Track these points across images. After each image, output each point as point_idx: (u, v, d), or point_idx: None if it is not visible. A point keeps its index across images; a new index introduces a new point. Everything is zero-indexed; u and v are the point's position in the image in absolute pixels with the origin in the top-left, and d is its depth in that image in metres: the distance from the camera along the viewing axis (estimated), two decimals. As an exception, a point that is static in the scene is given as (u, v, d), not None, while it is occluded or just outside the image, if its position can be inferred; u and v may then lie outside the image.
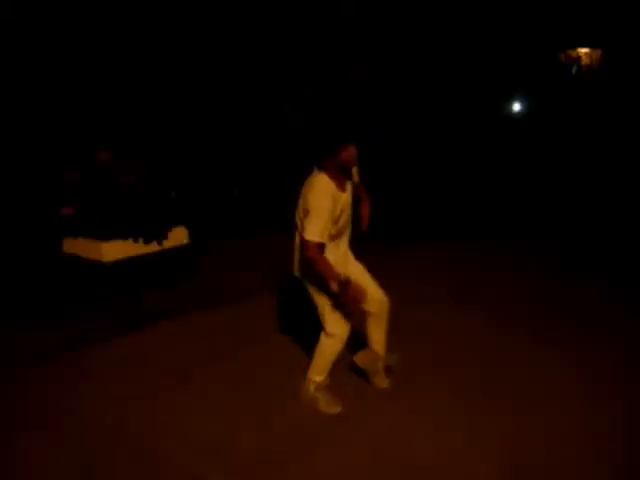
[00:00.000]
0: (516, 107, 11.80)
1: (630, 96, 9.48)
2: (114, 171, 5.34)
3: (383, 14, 8.51)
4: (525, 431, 2.81)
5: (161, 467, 2.61)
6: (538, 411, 2.99)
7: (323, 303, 2.96)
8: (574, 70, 10.11)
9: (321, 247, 2.71)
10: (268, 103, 8.55)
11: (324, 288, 2.87)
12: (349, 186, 2.91)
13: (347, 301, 2.77)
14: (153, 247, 5.31)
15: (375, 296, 3.11)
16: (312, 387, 3.10)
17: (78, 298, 4.98)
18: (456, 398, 3.14)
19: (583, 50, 9.95)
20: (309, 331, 4.15)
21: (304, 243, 2.70)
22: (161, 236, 5.36)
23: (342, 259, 3.01)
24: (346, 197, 2.87)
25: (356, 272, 3.09)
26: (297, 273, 3.04)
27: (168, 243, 5.43)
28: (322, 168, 2.78)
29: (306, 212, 2.70)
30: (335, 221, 2.78)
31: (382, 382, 3.29)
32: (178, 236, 5.55)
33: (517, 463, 2.56)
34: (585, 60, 10.00)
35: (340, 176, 2.81)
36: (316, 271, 2.74)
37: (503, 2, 9.12)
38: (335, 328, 2.96)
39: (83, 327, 4.38)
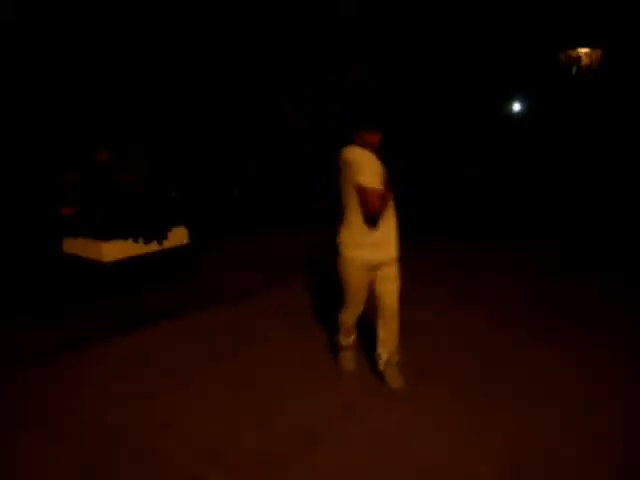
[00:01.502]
0: (516, 107, 11.80)
1: (630, 96, 9.48)
2: (114, 171, 5.34)
3: (383, 14, 8.51)
4: (525, 431, 2.81)
5: (161, 467, 2.61)
6: (538, 411, 2.99)
7: None
8: (574, 70, 10.12)
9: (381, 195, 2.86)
10: (268, 103, 8.55)
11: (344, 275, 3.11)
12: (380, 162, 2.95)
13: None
14: (153, 247, 5.31)
15: (387, 302, 3.16)
16: (336, 345, 3.51)
17: (78, 298, 4.98)
18: (456, 398, 3.14)
19: (583, 50, 9.95)
20: (309, 331, 4.15)
21: (365, 191, 2.83)
22: (161, 236, 5.36)
23: (385, 242, 3.03)
24: (380, 166, 2.93)
25: (386, 272, 3.11)
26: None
27: (168, 243, 5.43)
28: (352, 143, 2.95)
29: (355, 170, 2.85)
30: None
31: (395, 382, 3.29)
32: (178, 236, 5.55)
33: (517, 463, 2.56)
34: (585, 60, 10.01)
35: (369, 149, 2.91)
36: (380, 210, 2.89)
37: (503, 2, 9.12)
38: (350, 306, 3.25)
39: (83, 327, 4.38)
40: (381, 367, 3.30)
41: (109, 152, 5.48)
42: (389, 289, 3.13)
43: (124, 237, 5.09)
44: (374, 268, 3.08)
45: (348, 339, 3.45)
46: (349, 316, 3.33)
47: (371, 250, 3.00)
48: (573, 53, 10.02)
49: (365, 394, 3.23)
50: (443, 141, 9.60)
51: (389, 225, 3.04)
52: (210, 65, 8.20)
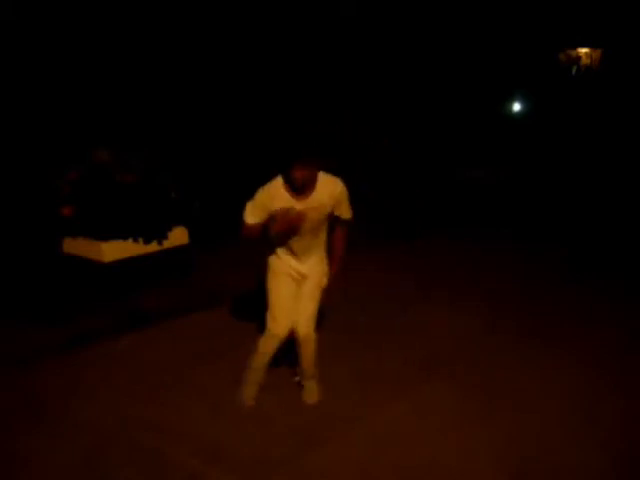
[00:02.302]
0: (516, 107, 11.80)
1: (630, 96, 9.48)
2: (113, 170, 5.33)
3: (383, 14, 8.51)
4: (525, 430, 2.81)
5: (161, 467, 2.61)
6: (538, 409, 3.00)
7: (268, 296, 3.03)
8: (574, 70, 10.13)
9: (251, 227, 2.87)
10: (270, 104, 8.55)
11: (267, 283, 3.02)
12: (310, 201, 2.78)
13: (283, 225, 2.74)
14: (153, 247, 5.30)
15: (298, 325, 3.00)
16: (245, 377, 3.15)
17: (78, 298, 4.98)
18: (456, 398, 3.14)
19: (583, 50, 9.96)
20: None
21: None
22: (161, 236, 5.35)
23: (302, 270, 2.97)
24: (299, 208, 2.76)
25: (303, 292, 3.01)
26: None
27: (168, 243, 5.42)
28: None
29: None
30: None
31: (310, 397, 3.20)
32: (178, 236, 5.54)
33: (517, 463, 2.56)
34: (585, 60, 10.02)
35: (293, 189, 2.77)
36: (252, 238, 2.89)
37: (503, 2, 9.12)
38: (271, 324, 2.98)
39: (83, 327, 4.38)
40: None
41: (108, 151, 5.48)
42: (300, 311, 3.02)
43: (124, 237, 5.09)
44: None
45: (261, 373, 3.19)
46: None
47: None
48: (573, 53, 10.03)
49: (365, 394, 3.23)
50: (445, 142, 9.60)
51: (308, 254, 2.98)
52: (207, 64, 8.20)
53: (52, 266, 5.35)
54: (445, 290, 5.07)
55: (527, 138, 10.64)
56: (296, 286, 3.01)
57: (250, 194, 2.90)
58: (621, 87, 9.71)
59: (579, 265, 5.82)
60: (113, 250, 5.02)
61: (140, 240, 5.20)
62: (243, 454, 2.69)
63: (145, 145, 6.58)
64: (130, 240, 5.13)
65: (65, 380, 3.49)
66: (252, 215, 2.84)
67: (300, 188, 2.74)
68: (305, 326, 2.99)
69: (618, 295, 4.83)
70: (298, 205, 2.76)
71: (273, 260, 3.03)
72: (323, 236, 3.00)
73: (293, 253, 2.95)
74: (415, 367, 3.52)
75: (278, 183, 2.81)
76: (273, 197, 2.79)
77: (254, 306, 4.77)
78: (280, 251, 2.98)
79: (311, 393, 3.21)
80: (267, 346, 3.03)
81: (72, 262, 5.23)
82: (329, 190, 2.83)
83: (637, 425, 2.85)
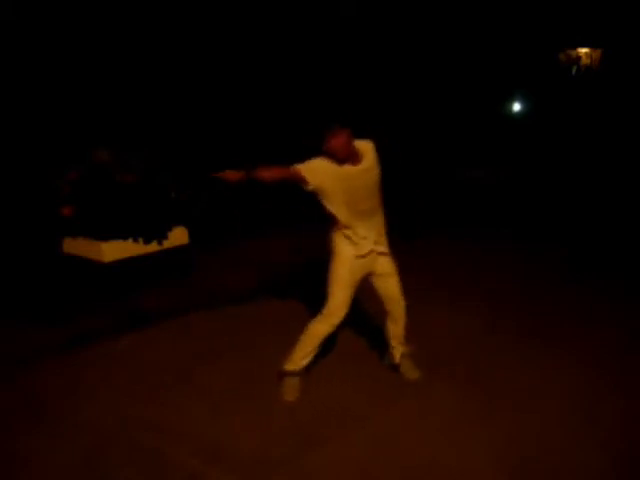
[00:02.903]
0: (516, 107, 11.80)
1: (630, 96, 9.48)
2: (113, 170, 5.33)
3: (383, 14, 8.51)
4: (525, 430, 2.80)
5: (161, 467, 2.60)
6: (538, 410, 2.99)
7: (333, 280, 3.04)
8: (574, 70, 10.13)
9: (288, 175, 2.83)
10: (270, 105, 8.55)
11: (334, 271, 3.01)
12: (363, 163, 2.85)
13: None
14: (153, 247, 5.30)
15: (394, 297, 3.21)
16: (289, 370, 3.15)
17: (78, 298, 4.98)
18: (456, 398, 3.13)
19: (583, 50, 9.96)
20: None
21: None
22: (161, 236, 5.35)
23: (369, 255, 3.07)
24: (356, 171, 2.83)
25: (383, 272, 3.18)
26: None
27: (168, 243, 5.42)
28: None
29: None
30: (351, 199, 2.85)
31: (412, 373, 3.35)
32: (178, 236, 5.54)
33: (517, 463, 2.56)
34: (585, 60, 10.02)
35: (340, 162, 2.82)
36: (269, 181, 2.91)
37: (503, 2, 9.13)
38: (334, 311, 3.02)
39: (83, 327, 4.38)
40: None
41: (108, 151, 5.47)
42: (390, 286, 3.25)
43: (124, 237, 5.09)
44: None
45: (304, 365, 3.19)
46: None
47: None
48: (573, 53, 10.03)
49: (364, 393, 3.23)
50: (445, 142, 9.60)
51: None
52: (208, 64, 8.20)
53: (52, 266, 5.35)
54: (445, 290, 5.06)
55: (527, 138, 10.65)
56: (364, 270, 3.07)
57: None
58: (621, 87, 9.71)
59: (579, 265, 5.81)
60: (113, 250, 5.02)
61: (140, 240, 5.20)
62: (243, 454, 2.69)
63: (145, 145, 6.58)
64: (130, 240, 5.13)
65: (65, 380, 3.49)
66: (309, 172, 2.78)
67: (345, 157, 2.77)
68: (403, 300, 3.20)
69: (618, 295, 4.82)
70: (354, 169, 2.80)
71: (340, 246, 3.02)
72: (380, 206, 3.05)
73: (357, 225, 2.94)
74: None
75: (325, 159, 2.80)
76: (332, 173, 2.79)
77: (254, 306, 4.79)
78: (346, 233, 2.96)
79: (412, 369, 3.34)
80: (321, 333, 3.08)
81: (72, 262, 5.23)
82: (369, 151, 2.89)
83: (637, 425, 2.84)
